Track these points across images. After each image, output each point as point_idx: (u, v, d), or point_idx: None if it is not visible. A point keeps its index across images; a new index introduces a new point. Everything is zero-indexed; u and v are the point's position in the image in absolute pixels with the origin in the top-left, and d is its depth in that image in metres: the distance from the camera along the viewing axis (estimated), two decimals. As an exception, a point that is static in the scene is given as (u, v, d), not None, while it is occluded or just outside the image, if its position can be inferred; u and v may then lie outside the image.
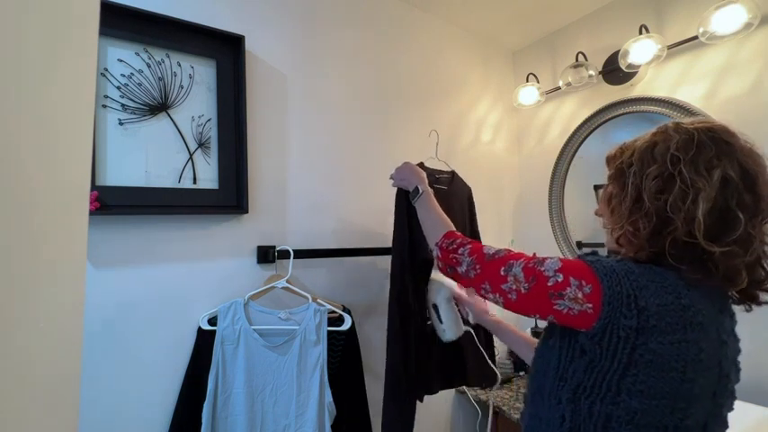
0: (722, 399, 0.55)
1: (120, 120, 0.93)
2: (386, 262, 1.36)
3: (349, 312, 1.10)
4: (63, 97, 0.32)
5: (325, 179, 1.26)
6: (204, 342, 0.97)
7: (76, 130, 0.33)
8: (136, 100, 0.95)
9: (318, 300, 1.08)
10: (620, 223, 0.61)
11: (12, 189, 0.28)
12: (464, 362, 1.16)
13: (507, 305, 0.64)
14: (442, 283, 1.01)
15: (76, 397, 0.33)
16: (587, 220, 1.58)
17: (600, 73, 1.50)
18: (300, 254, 1.12)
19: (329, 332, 1.04)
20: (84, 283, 0.34)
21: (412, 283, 1.04)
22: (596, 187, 0.70)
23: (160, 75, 0.99)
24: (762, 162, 0.55)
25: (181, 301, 0.98)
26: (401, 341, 1.00)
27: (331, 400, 0.99)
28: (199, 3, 1.05)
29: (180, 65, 1.01)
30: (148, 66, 0.97)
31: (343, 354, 1.08)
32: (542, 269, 0.59)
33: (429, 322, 1.07)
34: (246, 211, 1.06)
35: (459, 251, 0.72)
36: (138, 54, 0.96)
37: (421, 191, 0.93)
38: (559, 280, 0.57)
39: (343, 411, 1.02)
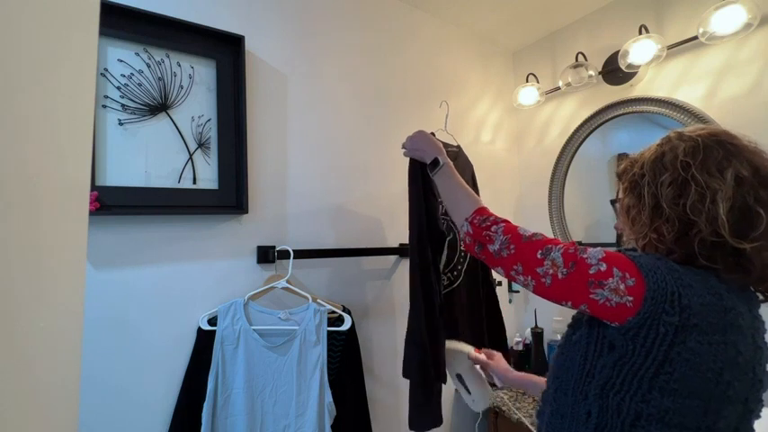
0: (753, 404, 0.55)
1: (120, 120, 0.93)
2: (386, 262, 1.36)
3: (349, 312, 1.10)
4: (63, 97, 0.32)
5: (325, 179, 1.26)
6: (204, 342, 0.96)
7: (76, 131, 0.33)
8: (136, 100, 0.95)
9: (318, 300, 1.08)
10: (644, 232, 0.61)
11: (12, 189, 0.28)
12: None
13: (538, 289, 0.62)
14: (461, 351, 0.97)
15: (76, 397, 0.33)
16: (587, 220, 1.58)
17: (600, 73, 1.50)
18: (300, 254, 1.12)
19: (329, 332, 1.04)
20: (84, 283, 0.34)
21: (431, 263, 1.00)
22: (612, 202, 0.70)
23: (160, 75, 0.99)
24: (766, 157, 0.56)
25: (181, 301, 0.98)
26: (426, 317, 0.95)
27: (331, 400, 0.99)
28: (199, 3, 1.05)
29: (180, 65, 1.01)
30: (148, 66, 0.97)
31: (342, 354, 1.08)
32: (585, 256, 0.58)
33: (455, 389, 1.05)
34: (246, 211, 1.06)
35: (493, 228, 0.69)
36: (138, 54, 0.96)
37: (442, 162, 0.88)
38: (602, 269, 0.56)
39: (343, 411, 1.02)
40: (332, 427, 0.99)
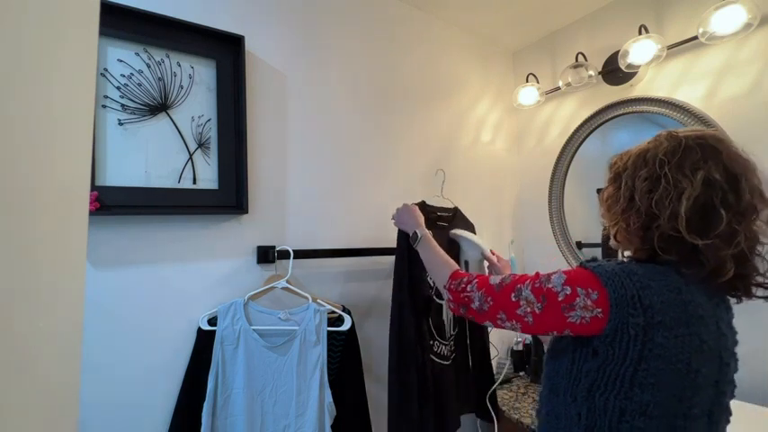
0: (724, 387, 0.58)
1: (119, 120, 0.93)
2: (387, 262, 1.36)
3: (349, 313, 1.10)
4: (63, 97, 0.32)
5: (325, 179, 1.26)
6: (204, 342, 0.96)
7: (76, 130, 0.33)
8: (136, 100, 0.95)
9: (318, 300, 1.08)
10: (615, 220, 0.67)
11: (12, 189, 0.28)
12: (467, 396, 1.22)
13: (525, 329, 0.66)
14: (478, 245, 1.02)
15: (76, 397, 0.33)
16: (587, 220, 1.58)
17: (600, 73, 1.50)
18: (300, 254, 1.12)
19: (329, 332, 1.04)
20: (84, 283, 0.34)
21: (414, 320, 1.07)
22: (599, 191, 0.74)
23: (160, 75, 0.99)
24: (749, 165, 0.60)
25: (180, 301, 0.98)
26: (404, 384, 1.02)
27: (331, 400, 0.99)
28: (199, 3, 1.05)
29: (180, 65, 1.01)
30: (148, 66, 0.97)
31: (342, 354, 1.08)
32: (550, 286, 0.62)
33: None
34: (246, 212, 1.06)
35: (468, 288, 0.75)
36: (137, 54, 0.96)
37: (420, 235, 0.97)
38: (568, 292, 0.60)
39: (343, 412, 1.02)
40: (332, 427, 0.99)
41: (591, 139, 1.55)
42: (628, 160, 0.67)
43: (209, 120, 1.05)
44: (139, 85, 0.96)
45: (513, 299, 0.66)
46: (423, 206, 1.15)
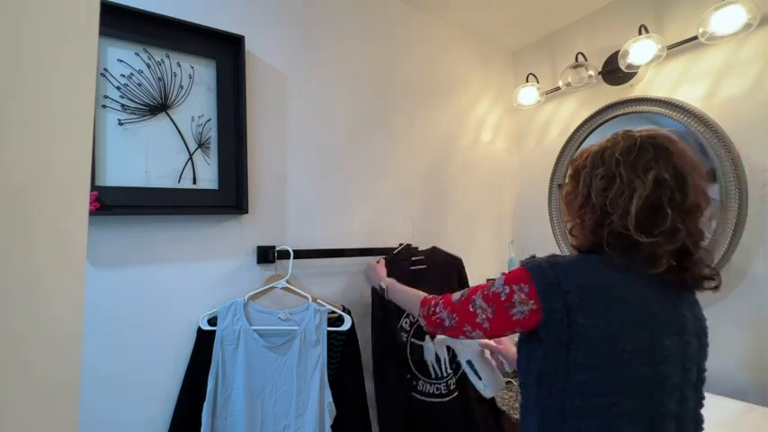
0: (664, 366, 0.59)
1: (119, 120, 0.93)
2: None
3: (349, 312, 1.10)
4: (63, 97, 0.32)
5: (325, 179, 1.26)
6: (204, 342, 0.96)
7: (76, 130, 0.33)
8: (136, 100, 0.95)
9: (318, 300, 1.08)
10: (572, 216, 0.71)
11: (12, 189, 0.28)
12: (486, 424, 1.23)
13: (487, 335, 0.72)
14: (467, 343, 0.99)
15: (76, 397, 0.33)
16: (587, 221, 1.58)
17: (599, 73, 1.50)
18: (300, 254, 1.12)
19: (329, 332, 1.04)
20: (84, 283, 0.34)
21: (393, 362, 1.12)
22: (560, 186, 0.76)
23: (160, 75, 0.99)
24: (696, 165, 0.63)
25: (180, 301, 0.98)
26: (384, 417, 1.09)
27: (331, 400, 0.99)
28: (199, 3, 1.05)
29: (180, 65, 1.01)
30: (148, 66, 0.97)
31: (342, 354, 1.08)
32: (494, 289, 0.69)
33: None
34: (246, 212, 1.06)
35: (437, 310, 0.80)
36: (137, 54, 0.96)
37: (384, 286, 1.05)
38: (507, 291, 0.66)
39: (343, 412, 1.02)
40: (332, 427, 0.99)
41: (591, 139, 1.55)
42: (587, 158, 0.69)
43: (209, 120, 1.05)
44: (139, 85, 0.96)
45: (471, 309, 0.71)
46: (393, 259, 1.23)
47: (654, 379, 0.58)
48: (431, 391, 1.17)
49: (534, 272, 0.64)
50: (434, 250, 1.34)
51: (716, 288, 0.64)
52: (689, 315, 0.63)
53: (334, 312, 1.08)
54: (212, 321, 0.98)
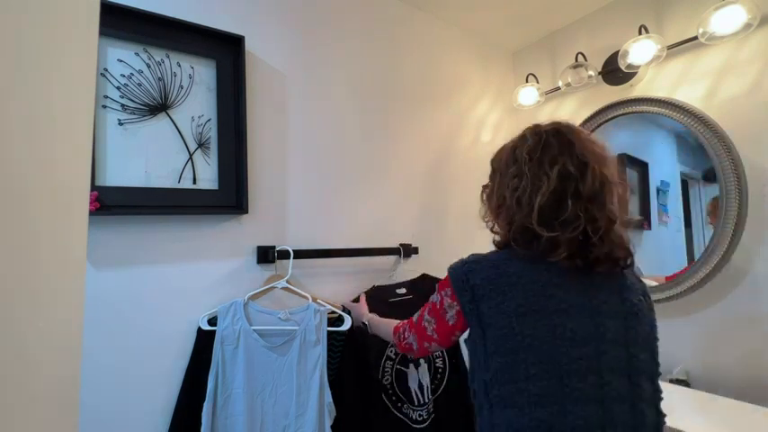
0: (571, 349, 0.58)
1: (119, 120, 0.93)
2: (387, 262, 1.36)
3: (349, 313, 1.09)
4: (63, 97, 0.32)
5: (325, 179, 1.26)
6: (204, 342, 0.96)
7: (76, 130, 0.33)
8: (136, 100, 0.95)
9: (318, 300, 1.08)
10: (493, 215, 0.74)
11: (12, 189, 0.28)
12: None
13: (440, 344, 0.75)
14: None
15: (76, 397, 0.33)
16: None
17: (599, 73, 1.50)
18: (300, 254, 1.12)
19: (329, 332, 1.04)
20: (84, 283, 0.34)
21: (377, 387, 1.14)
22: (484, 187, 0.80)
23: (160, 75, 0.99)
24: (599, 153, 0.65)
25: (181, 301, 0.98)
26: None
27: (331, 400, 0.99)
28: (199, 3, 1.05)
29: (180, 65, 1.01)
30: (148, 66, 0.97)
31: (343, 354, 1.08)
32: (432, 300, 0.74)
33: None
34: (246, 212, 1.06)
35: (406, 335, 0.82)
36: (137, 54, 0.96)
37: (366, 322, 1.05)
38: (439, 299, 0.71)
39: (343, 412, 1.02)
40: (332, 427, 0.99)
41: (591, 139, 1.55)
42: (502, 157, 0.72)
43: (209, 120, 1.05)
44: (139, 85, 0.96)
45: (423, 325, 0.76)
46: (375, 292, 1.23)
47: (559, 362, 0.57)
48: (414, 417, 1.17)
49: (451, 274, 0.68)
50: (423, 278, 1.33)
51: (628, 266, 0.66)
52: (611, 298, 0.63)
53: (334, 312, 1.08)
54: (212, 321, 0.98)
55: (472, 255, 0.69)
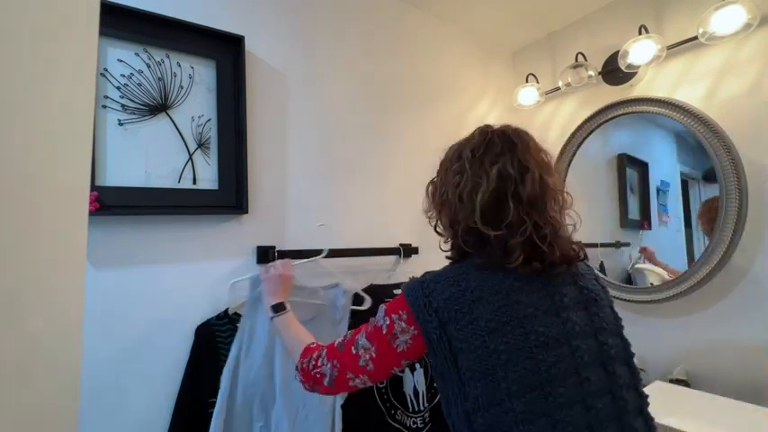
0: (546, 354, 0.56)
1: (119, 120, 0.93)
2: (387, 262, 1.36)
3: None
4: (63, 97, 0.32)
5: (324, 179, 1.26)
6: (204, 341, 0.97)
7: (76, 131, 0.33)
8: (136, 100, 0.95)
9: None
10: (434, 212, 0.72)
11: (12, 189, 0.28)
12: None
13: (371, 378, 0.65)
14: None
15: (76, 397, 0.33)
16: (587, 221, 1.58)
17: (599, 73, 1.50)
18: (300, 254, 1.12)
19: (351, 311, 1.09)
20: (84, 283, 0.34)
21: (375, 401, 1.12)
22: (430, 182, 0.78)
23: (160, 75, 0.99)
24: (541, 160, 0.64)
25: (180, 301, 0.98)
26: None
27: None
28: (199, 3, 1.05)
29: (180, 65, 1.01)
30: (148, 66, 0.97)
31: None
32: (375, 323, 0.65)
33: None
34: (246, 212, 1.06)
35: (319, 363, 0.68)
36: (137, 54, 0.96)
37: (272, 315, 0.89)
38: (388, 323, 0.63)
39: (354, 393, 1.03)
40: (342, 406, 1.00)
41: (591, 139, 1.55)
42: (448, 155, 0.70)
43: (209, 120, 1.05)
44: (139, 85, 0.96)
45: (354, 351, 0.65)
46: (371, 290, 1.17)
47: (538, 370, 0.55)
48: (408, 424, 1.14)
49: (407, 295, 0.62)
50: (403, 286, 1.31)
51: (582, 259, 0.66)
52: (569, 290, 0.62)
53: (357, 294, 1.13)
54: (219, 317, 0.99)
55: (427, 273, 0.65)
